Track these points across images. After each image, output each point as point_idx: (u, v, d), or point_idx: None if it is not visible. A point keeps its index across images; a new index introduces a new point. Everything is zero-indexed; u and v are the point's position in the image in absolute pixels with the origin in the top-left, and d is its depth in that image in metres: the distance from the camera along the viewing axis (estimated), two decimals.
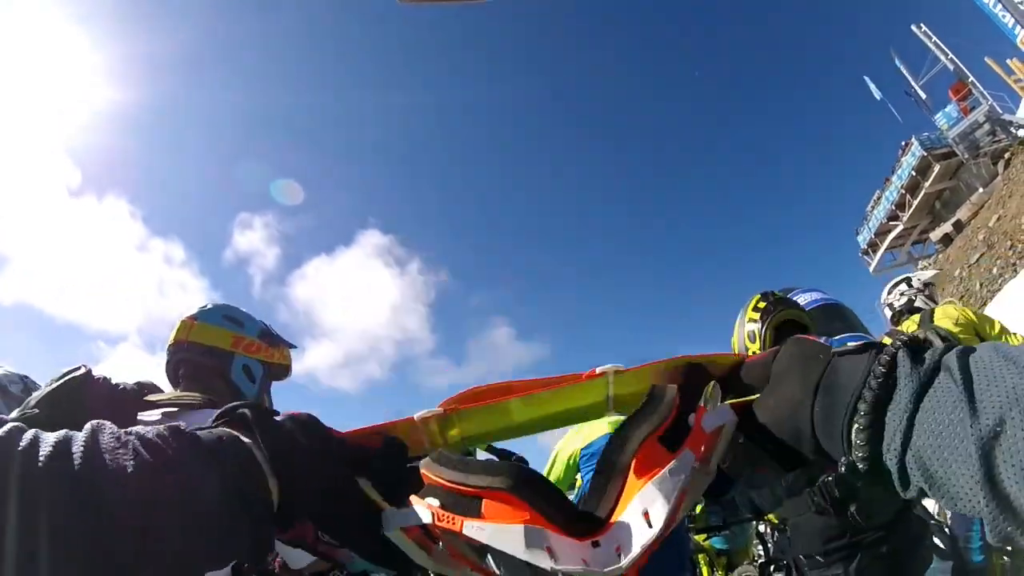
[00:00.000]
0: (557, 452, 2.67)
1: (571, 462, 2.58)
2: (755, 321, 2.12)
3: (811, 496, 1.77)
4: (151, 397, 1.22)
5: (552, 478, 2.62)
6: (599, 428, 2.57)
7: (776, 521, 4.80)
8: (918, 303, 3.81)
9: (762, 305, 2.13)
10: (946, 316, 3.30)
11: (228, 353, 1.45)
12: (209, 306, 1.52)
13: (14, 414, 1.04)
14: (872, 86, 31.16)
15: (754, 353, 2.17)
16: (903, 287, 3.98)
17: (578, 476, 2.59)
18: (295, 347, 1.65)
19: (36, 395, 1.06)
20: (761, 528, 4.81)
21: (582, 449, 2.55)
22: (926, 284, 3.95)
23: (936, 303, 3.80)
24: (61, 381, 1.08)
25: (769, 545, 4.86)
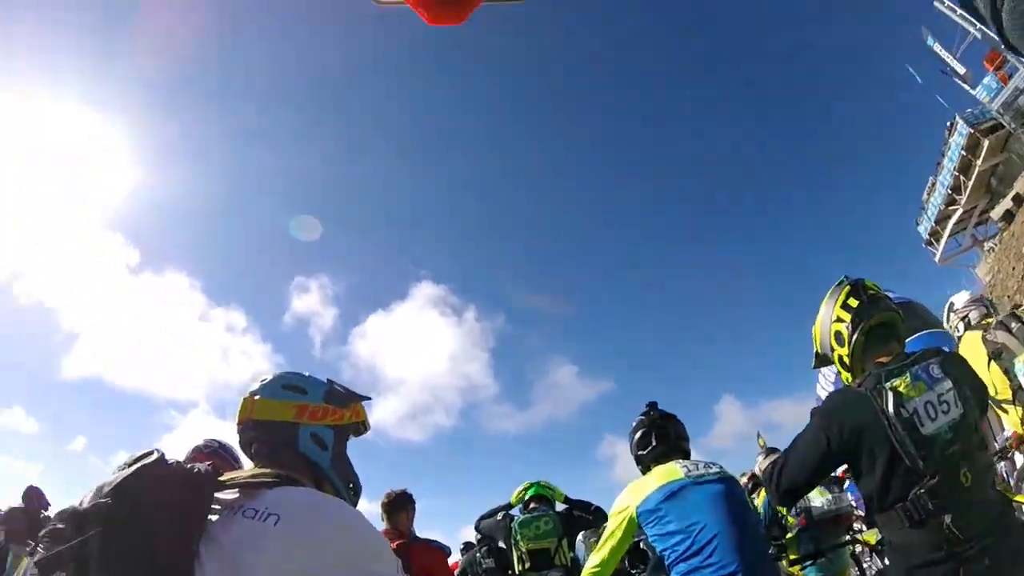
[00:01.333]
0: (614, 511, 2.60)
1: (629, 519, 2.51)
2: (843, 321, 2.00)
3: (903, 510, 1.69)
4: (226, 476, 1.22)
5: (609, 535, 2.57)
6: (652, 483, 2.52)
7: (873, 542, 4.54)
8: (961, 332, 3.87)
9: (853, 303, 2.00)
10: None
11: (292, 425, 1.40)
12: (269, 378, 1.48)
13: (87, 502, 1.06)
14: (912, 72, 30.14)
15: (840, 357, 2.06)
16: (953, 316, 4.07)
17: (643, 535, 2.52)
18: (368, 399, 1.60)
19: (110, 482, 1.06)
20: (857, 550, 4.54)
21: (637, 506, 2.47)
22: (965, 307, 4.02)
23: (971, 325, 3.82)
24: (137, 468, 1.08)
25: (865, 567, 4.60)
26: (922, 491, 1.67)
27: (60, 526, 1.04)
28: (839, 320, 2.01)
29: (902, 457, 1.70)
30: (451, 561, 5.93)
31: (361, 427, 1.57)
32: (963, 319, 3.88)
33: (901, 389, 1.75)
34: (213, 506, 1.14)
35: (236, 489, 1.18)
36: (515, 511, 4.05)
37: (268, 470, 1.28)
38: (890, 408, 1.73)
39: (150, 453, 1.12)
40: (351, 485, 1.47)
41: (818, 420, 1.93)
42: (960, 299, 4.08)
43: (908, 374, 1.77)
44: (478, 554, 4.34)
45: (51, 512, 6.67)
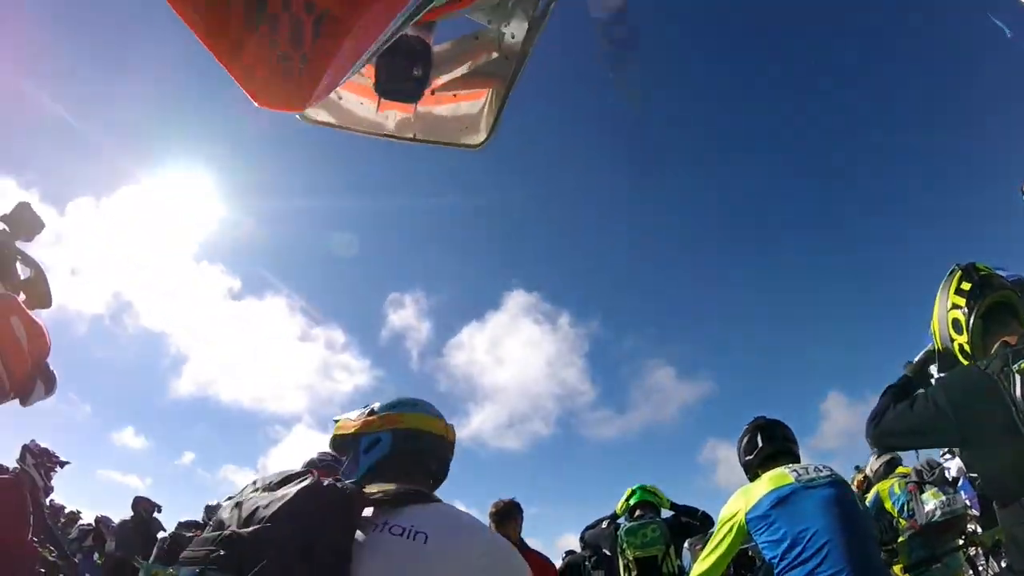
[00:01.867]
0: (723, 517, 2.57)
1: (738, 526, 2.48)
2: (959, 307, 1.91)
3: None
4: (367, 490, 1.26)
5: (718, 542, 2.55)
6: (762, 488, 2.47)
7: (989, 544, 4.32)
8: None
9: (966, 287, 1.90)
10: None
11: (441, 439, 1.48)
12: (406, 398, 1.54)
13: (227, 515, 1.11)
14: (998, 23, 27.59)
15: (960, 347, 1.97)
16: None
17: (753, 541, 2.48)
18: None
19: (264, 503, 1.08)
20: (971, 552, 4.34)
21: (747, 513, 2.44)
22: None
23: None
24: (296, 491, 1.10)
25: (980, 569, 4.37)
26: None
27: (222, 552, 1.02)
28: (955, 307, 1.91)
29: None
30: None
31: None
32: None
33: None
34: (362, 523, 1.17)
35: (379, 505, 1.21)
36: (622, 520, 4.04)
37: (404, 486, 1.30)
38: (1018, 393, 1.60)
39: (304, 475, 1.16)
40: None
41: (937, 391, 1.85)
42: None
43: None
44: (586, 562, 4.37)
45: (159, 515, 7.05)
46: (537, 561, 3.61)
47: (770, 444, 2.66)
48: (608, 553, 3.86)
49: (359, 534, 1.13)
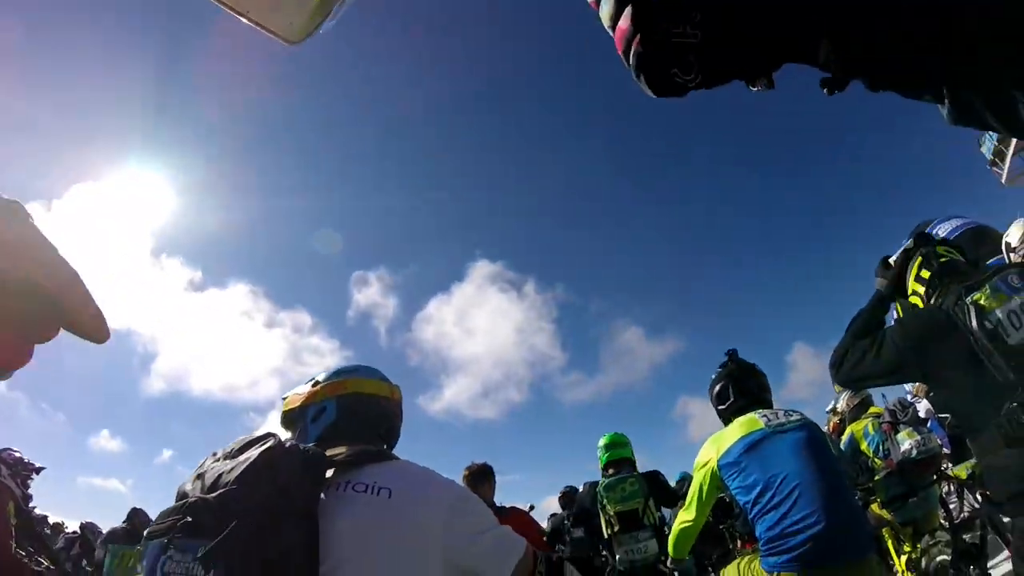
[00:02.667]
0: (697, 465, 2.60)
1: (711, 473, 2.50)
2: (918, 293, 1.98)
3: (998, 427, 1.60)
4: (329, 453, 1.27)
5: (696, 490, 2.57)
6: (732, 434, 2.49)
7: (964, 476, 4.40)
8: None
9: (926, 275, 1.96)
10: None
11: (386, 400, 1.50)
12: (351, 364, 1.56)
13: (190, 487, 1.12)
14: None
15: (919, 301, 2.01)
16: (1012, 256, 3.74)
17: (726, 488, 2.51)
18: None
19: (227, 469, 1.09)
20: (944, 490, 4.43)
21: (719, 459, 2.46)
22: (1022, 241, 3.67)
23: None
24: (258, 454, 1.11)
25: (952, 507, 4.46)
26: (1014, 404, 1.57)
27: (189, 519, 1.03)
28: (914, 293, 1.99)
29: (991, 371, 1.63)
30: None
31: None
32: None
33: (982, 302, 1.69)
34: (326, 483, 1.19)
35: (340, 466, 1.23)
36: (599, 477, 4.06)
37: (363, 447, 1.33)
38: (973, 323, 1.67)
39: (266, 438, 1.17)
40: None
41: (897, 329, 1.90)
42: (1015, 233, 3.82)
43: (987, 287, 1.72)
44: (565, 521, 4.41)
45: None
46: (516, 515, 3.63)
47: (743, 396, 2.67)
48: (590, 510, 3.88)
49: (322, 495, 1.15)
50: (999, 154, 27.85)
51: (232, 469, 1.08)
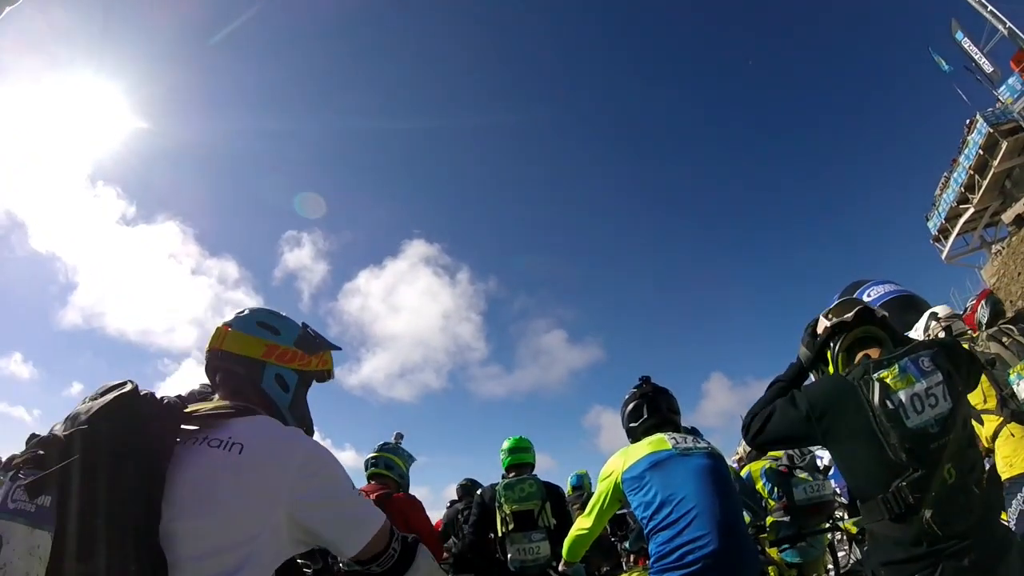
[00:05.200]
0: (602, 475, 2.65)
1: (614, 484, 2.55)
2: (828, 345, 2.04)
3: (884, 502, 1.68)
4: (191, 408, 1.28)
5: (597, 499, 2.62)
6: (640, 451, 2.54)
7: (854, 531, 4.59)
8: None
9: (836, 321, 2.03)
10: None
11: (260, 363, 1.44)
12: (246, 312, 1.52)
13: (59, 427, 1.11)
14: (938, 58, 29.46)
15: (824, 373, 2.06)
16: (932, 323, 4.08)
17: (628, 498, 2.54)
18: (338, 348, 1.63)
19: (85, 410, 1.10)
20: (837, 537, 4.60)
21: (623, 472, 2.51)
22: (948, 318, 4.03)
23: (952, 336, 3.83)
24: (113, 396, 1.12)
25: (839, 557, 4.65)
26: (903, 484, 1.65)
27: (41, 452, 1.05)
28: (826, 346, 2.04)
29: (885, 449, 1.69)
30: (435, 519, 6.04)
31: (326, 375, 1.60)
32: (945, 328, 3.92)
33: (888, 381, 1.73)
34: (181, 436, 1.20)
35: (200, 420, 1.23)
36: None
37: (229, 402, 1.34)
38: (875, 399, 1.72)
39: (124, 384, 1.17)
40: (305, 429, 1.50)
41: (802, 395, 1.95)
42: (943, 310, 4.13)
43: (896, 366, 1.76)
44: (459, 516, 4.39)
45: None
46: (406, 499, 3.65)
47: (653, 416, 2.75)
48: (487, 507, 3.87)
49: (179, 447, 1.16)
50: (944, 232, 29.47)
51: (89, 409, 1.10)
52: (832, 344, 2.03)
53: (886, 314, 2.06)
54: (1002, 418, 3.16)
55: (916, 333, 3.99)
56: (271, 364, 1.45)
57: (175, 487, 1.09)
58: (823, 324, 2.06)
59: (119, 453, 1.05)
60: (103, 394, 1.15)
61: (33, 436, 1.10)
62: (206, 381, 1.54)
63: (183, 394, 1.51)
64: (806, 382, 2.14)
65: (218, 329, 1.47)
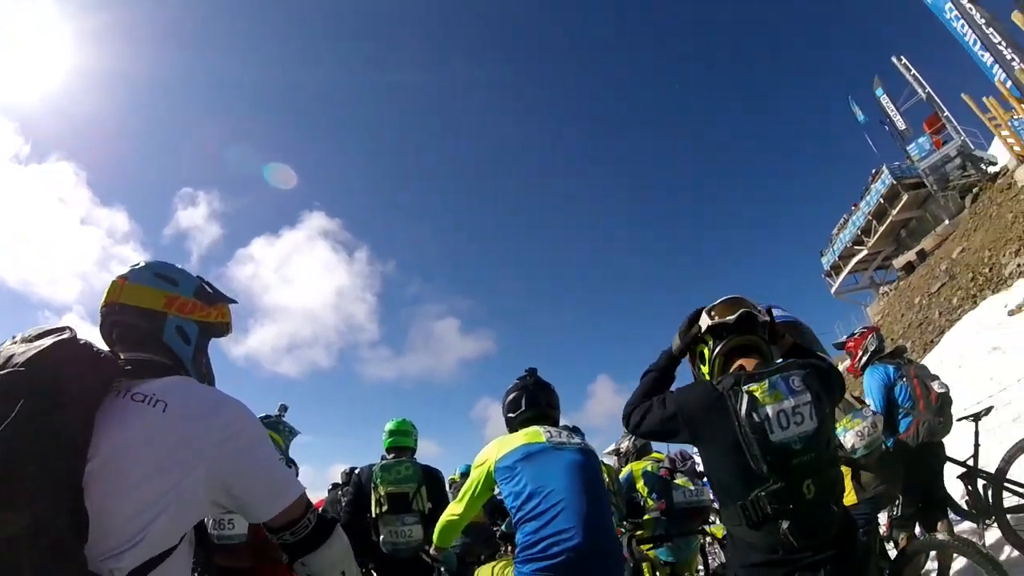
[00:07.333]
0: (476, 463, 2.68)
1: (487, 472, 2.56)
2: (707, 343, 2.07)
3: (742, 509, 1.74)
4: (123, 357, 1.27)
5: (469, 485, 2.64)
6: (514, 441, 2.57)
7: (720, 535, 4.80)
8: None
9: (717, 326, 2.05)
10: None
11: (161, 314, 1.40)
12: (141, 264, 1.47)
13: None
14: (856, 108, 31.90)
15: (702, 375, 2.06)
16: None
17: (496, 488, 2.57)
18: (235, 302, 1.61)
19: (16, 352, 1.07)
20: (707, 540, 4.80)
21: (496, 461, 2.52)
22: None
23: None
24: (52, 341, 1.10)
25: (710, 559, 4.87)
26: (762, 493, 1.71)
27: None
28: (702, 341, 2.08)
29: (747, 458, 1.73)
30: (317, 499, 5.92)
31: (225, 328, 1.58)
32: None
33: (757, 394, 1.78)
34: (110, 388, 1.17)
35: (126, 375, 1.21)
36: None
37: (152, 356, 1.33)
38: (742, 411, 1.76)
39: (62, 330, 1.17)
40: (207, 383, 1.49)
41: (672, 397, 2.00)
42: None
43: (767, 381, 1.80)
44: (339, 492, 4.25)
45: None
46: None
47: (532, 408, 2.78)
48: (364, 488, 3.76)
49: (105, 399, 1.14)
50: (836, 268, 31.95)
51: (24, 352, 1.07)
52: (711, 342, 2.05)
53: (767, 320, 2.09)
54: None
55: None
56: (172, 315, 1.42)
57: (98, 441, 1.07)
58: (705, 320, 2.08)
59: (55, 400, 1.03)
60: (39, 336, 1.14)
61: None
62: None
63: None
64: (676, 368, 2.22)
65: (113, 283, 1.42)
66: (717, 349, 2.03)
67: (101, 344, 1.28)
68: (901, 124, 28.25)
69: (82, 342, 1.16)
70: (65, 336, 1.14)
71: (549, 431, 2.62)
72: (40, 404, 1.01)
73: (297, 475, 3.79)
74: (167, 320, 1.41)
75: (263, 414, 3.77)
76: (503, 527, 3.97)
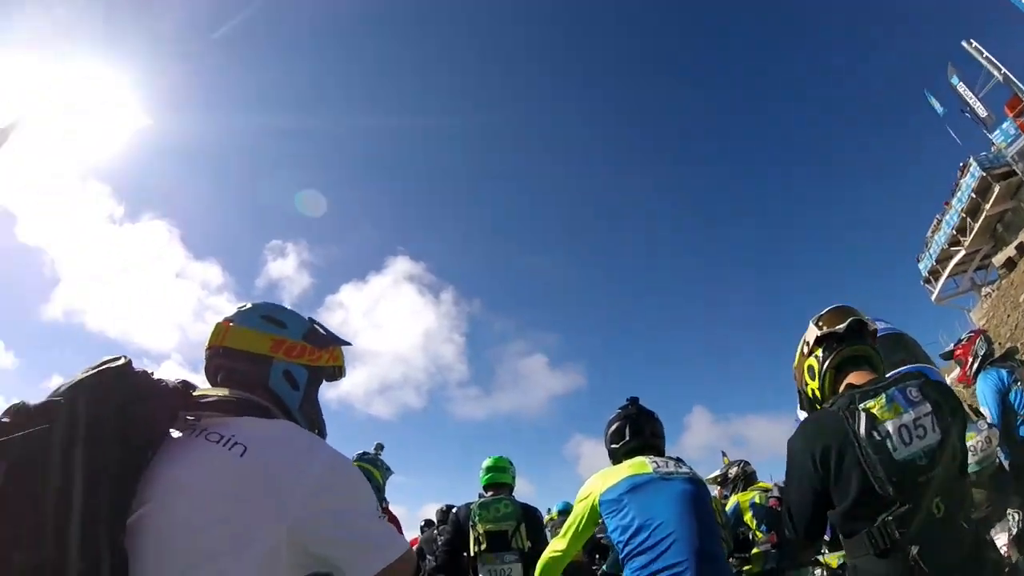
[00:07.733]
0: (579, 497, 2.59)
1: (592, 506, 2.49)
2: (815, 354, 1.96)
3: (868, 537, 1.62)
4: (198, 392, 1.16)
5: (573, 520, 2.56)
6: (620, 473, 2.49)
7: (835, 565, 4.50)
8: None
9: (825, 337, 1.95)
10: None
11: (266, 358, 1.32)
12: (248, 306, 1.41)
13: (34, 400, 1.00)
14: (933, 100, 30.03)
15: (813, 392, 1.98)
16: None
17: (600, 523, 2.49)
18: (349, 344, 1.51)
19: (66, 382, 1.00)
20: (818, 573, 4.51)
21: (601, 494, 2.45)
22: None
23: None
24: (98, 370, 1.01)
25: None
26: (889, 518, 1.59)
27: (5, 420, 0.93)
28: (811, 354, 1.98)
29: (871, 482, 1.62)
30: (410, 537, 5.99)
31: (337, 372, 1.49)
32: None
33: (875, 411, 1.68)
34: (176, 422, 1.07)
35: (203, 410, 1.11)
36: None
37: (243, 393, 1.21)
38: (861, 430, 1.66)
39: (117, 358, 1.05)
40: (317, 431, 1.38)
41: (799, 446, 1.84)
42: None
43: (883, 396, 1.70)
44: (435, 531, 4.30)
45: None
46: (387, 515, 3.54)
47: (636, 438, 2.70)
48: (462, 527, 3.78)
49: (174, 432, 1.05)
50: (934, 273, 29.78)
51: (70, 381, 1.00)
52: (820, 354, 1.95)
53: (878, 327, 1.99)
54: None
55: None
56: (279, 360, 1.33)
57: (155, 479, 0.96)
58: (812, 332, 1.99)
59: (94, 430, 0.93)
60: (98, 366, 1.04)
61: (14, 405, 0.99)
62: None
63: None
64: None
65: (218, 325, 1.35)
66: (827, 362, 1.93)
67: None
68: (982, 111, 26.38)
69: (140, 371, 1.07)
70: (117, 365, 1.04)
71: (655, 461, 2.52)
72: (69, 434, 0.92)
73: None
74: (273, 364, 1.32)
75: (361, 451, 3.90)
76: (604, 567, 3.88)
